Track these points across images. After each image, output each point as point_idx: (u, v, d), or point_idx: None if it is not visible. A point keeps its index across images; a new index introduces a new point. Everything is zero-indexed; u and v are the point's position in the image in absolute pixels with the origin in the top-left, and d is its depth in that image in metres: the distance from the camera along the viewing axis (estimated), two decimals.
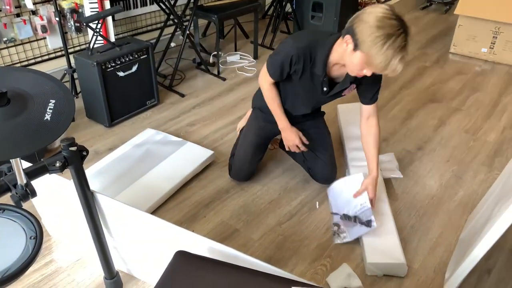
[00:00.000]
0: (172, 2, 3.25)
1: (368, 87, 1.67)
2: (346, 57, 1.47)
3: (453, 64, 3.53)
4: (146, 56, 2.65)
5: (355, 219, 1.64)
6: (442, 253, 1.71)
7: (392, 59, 1.32)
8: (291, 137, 1.77)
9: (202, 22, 3.97)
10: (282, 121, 1.78)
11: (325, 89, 1.68)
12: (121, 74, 2.53)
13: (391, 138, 2.51)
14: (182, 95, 2.98)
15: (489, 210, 1.54)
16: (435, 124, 2.67)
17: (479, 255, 1.30)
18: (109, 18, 2.93)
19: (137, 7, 3.50)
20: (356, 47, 1.39)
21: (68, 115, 0.93)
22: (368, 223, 1.61)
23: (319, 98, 1.74)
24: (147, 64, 2.67)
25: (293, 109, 1.84)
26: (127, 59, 2.55)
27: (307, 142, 1.83)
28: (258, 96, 1.98)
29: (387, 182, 2.11)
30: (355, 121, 2.56)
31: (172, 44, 3.71)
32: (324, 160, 1.96)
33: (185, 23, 3.28)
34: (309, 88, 1.69)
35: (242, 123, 2.35)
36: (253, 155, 1.96)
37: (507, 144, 2.48)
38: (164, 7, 3.29)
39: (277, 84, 1.79)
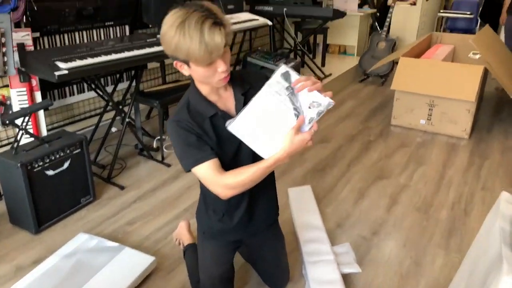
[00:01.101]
0: (111, 88, 3.12)
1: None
2: (199, 78, 1.27)
3: (396, 137, 3.56)
4: (79, 150, 2.42)
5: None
6: None
7: (201, 36, 1.13)
8: (297, 147, 1.28)
9: (144, 107, 3.82)
10: (274, 159, 1.28)
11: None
12: (50, 173, 2.28)
13: (345, 223, 2.38)
14: (122, 188, 2.73)
15: None
16: (387, 203, 2.59)
17: None
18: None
19: (73, 95, 3.33)
20: (184, 62, 1.22)
21: None
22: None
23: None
24: (81, 158, 2.44)
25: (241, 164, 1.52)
26: (58, 156, 2.31)
27: (315, 129, 1.34)
28: (202, 213, 1.61)
29: (346, 278, 1.93)
30: (308, 208, 2.43)
31: (113, 129, 3.52)
32: (277, 272, 1.75)
33: (126, 108, 3.12)
34: (227, 136, 1.34)
35: (178, 234, 2.14)
36: (224, 283, 1.66)
37: (459, 221, 2.41)
38: (102, 93, 3.13)
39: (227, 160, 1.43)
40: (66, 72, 2.28)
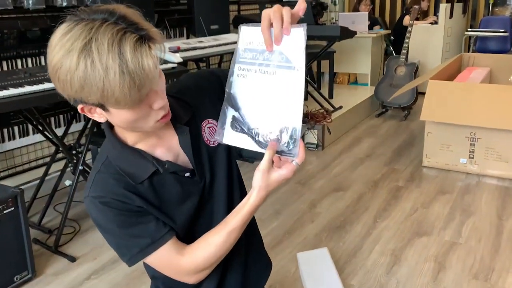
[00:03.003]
0: (63, 130, 2.95)
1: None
2: (124, 125, 1.02)
3: (431, 181, 3.41)
4: (13, 209, 2.17)
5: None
6: None
7: (121, 63, 0.89)
8: (274, 187, 1.08)
9: None
10: (253, 201, 1.09)
11: (187, 174, 1.15)
12: None
13: None
14: (73, 259, 2.51)
15: None
16: (432, 268, 2.36)
17: None
18: None
19: (14, 139, 3.15)
20: (97, 106, 0.96)
21: None
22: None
23: (204, 189, 1.19)
24: (14, 220, 2.18)
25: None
26: None
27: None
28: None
29: None
30: (326, 279, 2.19)
31: (67, 183, 3.33)
32: None
33: (80, 155, 2.91)
34: (182, 195, 1.13)
35: None
36: None
37: None
38: (51, 136, 2.93)
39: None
40: None
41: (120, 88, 0.90)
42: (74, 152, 2.83)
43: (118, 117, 0.98)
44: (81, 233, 2.75)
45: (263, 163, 1.03)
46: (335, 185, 3.35)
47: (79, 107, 0.98)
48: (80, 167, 2.75)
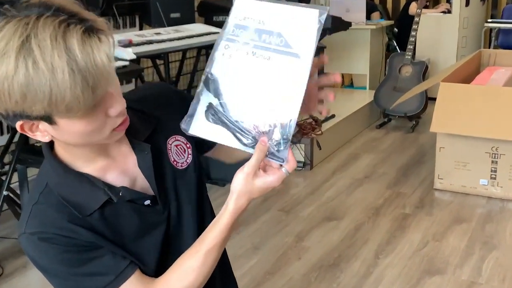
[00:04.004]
0: None
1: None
2: (75, 140, 1.06)
3: (445, 208, 3.48)
4: None
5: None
6: None
7: (69, 59, 0.93)
8: (257, 196, 1.14)
9: (35, 172, 3.60)
10: (232, 209, 1.13)
11: (147, 203, 1.19)
12: None
13: None
14: None
15: None
16: None
17: None
18: None
19: None
20: (41, 119, 0.99)
21: None
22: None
23: (169, 220, 1.23)
24: None
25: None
26: None
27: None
28: None
29: None
30: None
31: None
32: None
33: (4, 177, 2.96)
34: (141, 228, 1.18)
35: None
36: None
37: None
38: None
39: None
40: None
41: (71, 91, 0.92)
42: None
43: (68, 130, 1.01)
44: (5, 277, 2.74)
45: (250, 164, 1.05)
46: (327, 213, 3.38)
47: (18, 125, 0.99)
48: (5, 193, 2.75)
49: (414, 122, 5.07)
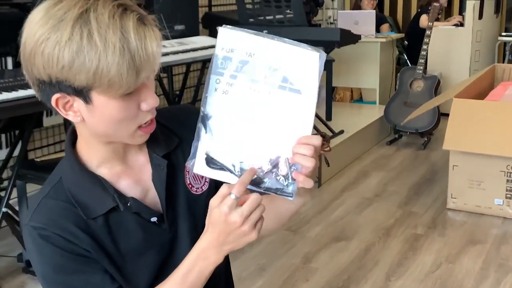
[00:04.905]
0: None
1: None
2: (103, 126, 1.09)
3: (459, 228, 3.48)
4: None
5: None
6: None
7: (123, 39, 1.00)
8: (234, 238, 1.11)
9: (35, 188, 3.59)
10: (208, 254, 1.12)
11: (153, 219, 1.20)
12: None
13: None
14: None
15: None
16: None
17: None
18: None
19: None
20: (79, 95, 1.03)
21: None
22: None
23: (174, 242, 1.25)
24: None
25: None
26: None
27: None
28: None
29: None
30: None
31: None
32: None
33: (3, 193, 2.98)
34: (142, 245, 1.18)
35: None
36: None
37: None
38: None
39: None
40: None
41: (118, 66, 0.98)
42: None
43: (101, 112, 1.04)
44: None
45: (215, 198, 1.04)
46: (336, 233, 3.38)
47: (54, 98, 1.03)
48: (3, 210, 2.75)
49: (426, 139, 5.08)
